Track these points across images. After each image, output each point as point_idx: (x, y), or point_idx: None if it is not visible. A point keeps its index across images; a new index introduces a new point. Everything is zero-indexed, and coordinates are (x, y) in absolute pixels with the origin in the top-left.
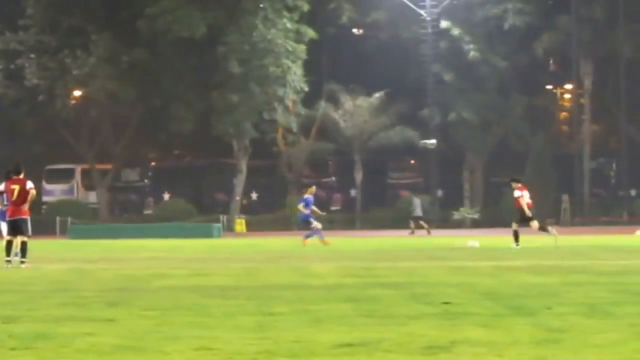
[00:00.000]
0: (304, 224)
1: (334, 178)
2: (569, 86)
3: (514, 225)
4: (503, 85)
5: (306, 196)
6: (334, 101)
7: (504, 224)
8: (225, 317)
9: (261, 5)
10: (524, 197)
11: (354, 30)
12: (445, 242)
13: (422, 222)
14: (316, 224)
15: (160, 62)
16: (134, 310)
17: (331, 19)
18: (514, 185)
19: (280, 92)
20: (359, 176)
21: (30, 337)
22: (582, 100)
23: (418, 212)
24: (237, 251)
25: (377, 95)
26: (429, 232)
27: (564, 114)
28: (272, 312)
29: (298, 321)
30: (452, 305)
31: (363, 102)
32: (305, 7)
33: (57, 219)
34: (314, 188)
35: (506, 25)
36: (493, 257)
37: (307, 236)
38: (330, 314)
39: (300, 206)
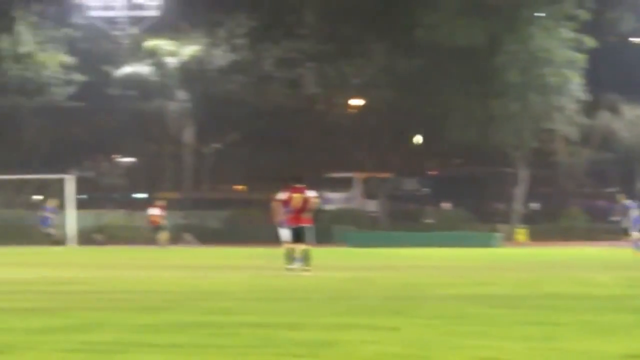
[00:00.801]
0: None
1: (616, 188)
2: None
3: None
4: None
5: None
6: (614, 111)
7: None
8: (510, 326)
9: (540, 15)
10: None
11: (636, 39)
12: None
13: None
14: (636, 234)
15: (438, 71)
16: (418, 319)
17: (611, 28)
18: None
19: (560, 101)
20: None
21: (315, 344)
22: None
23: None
24: (518, 260)
25: None
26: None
27: None
28: (557, 322)
29: (584, 331)
30: None
31: None
32: (585, 16)
33: (336, 226)
34: (622, 195)
35: None
36: None
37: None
38: (617, 325)
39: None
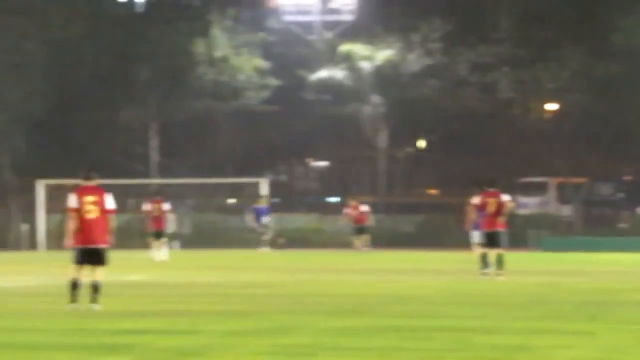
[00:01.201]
0: None
1: None
2: None
3: None
4: None
5: None
6: None
7: None
8: None
9: None
10: None
11: None
12: None
13: None
14: None
15: (635, 76)
16: (613, 324)
17: None
18: None
19: None
20: None
21: (511, 348)
22: None
23: None
24: None
25: None
26: None
27: None
28: None
29: None
30: None
31: None
32: None
33: (530, 231)
34: None
35: None
36: None
37: None
38: None
39: None
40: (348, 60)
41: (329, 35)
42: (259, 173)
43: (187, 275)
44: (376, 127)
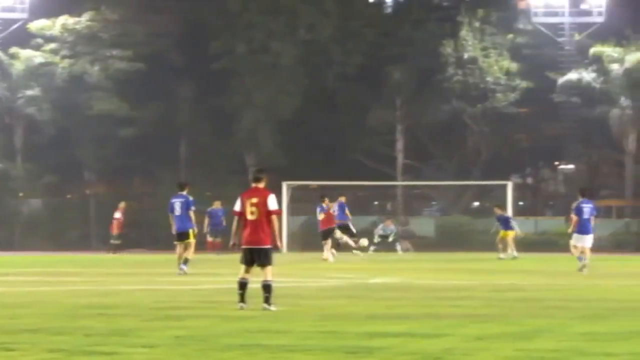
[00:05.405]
0: None
1: None
2: None
3: None
4: None
5: None
6: None
7: None
8: None
9: None
10: None
11: None
12: None
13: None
14: None
15: None
16: None
17: None
18: None
19: None
20: None
21: None
22: None
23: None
24: None
25: None
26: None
27: None
28: None
29: None
30: None
31: None
32: None
33: None
34: None
35: None
36: None
37: None
38: None
39: None
40: (598, 62)
41: (578, 36)
42: (505, 176)
43: (432, 278)
44: (624, 130)
